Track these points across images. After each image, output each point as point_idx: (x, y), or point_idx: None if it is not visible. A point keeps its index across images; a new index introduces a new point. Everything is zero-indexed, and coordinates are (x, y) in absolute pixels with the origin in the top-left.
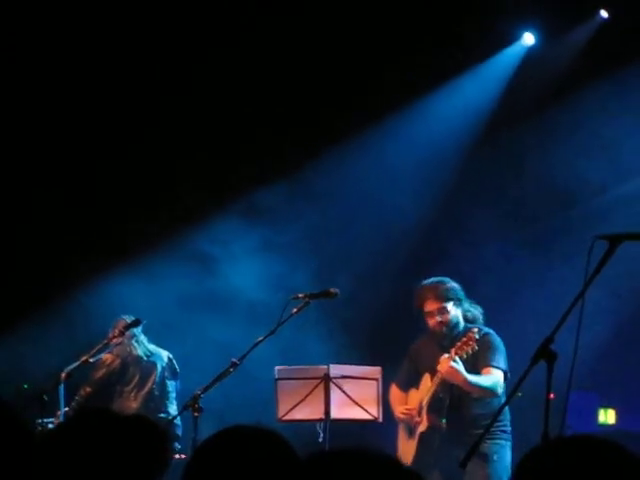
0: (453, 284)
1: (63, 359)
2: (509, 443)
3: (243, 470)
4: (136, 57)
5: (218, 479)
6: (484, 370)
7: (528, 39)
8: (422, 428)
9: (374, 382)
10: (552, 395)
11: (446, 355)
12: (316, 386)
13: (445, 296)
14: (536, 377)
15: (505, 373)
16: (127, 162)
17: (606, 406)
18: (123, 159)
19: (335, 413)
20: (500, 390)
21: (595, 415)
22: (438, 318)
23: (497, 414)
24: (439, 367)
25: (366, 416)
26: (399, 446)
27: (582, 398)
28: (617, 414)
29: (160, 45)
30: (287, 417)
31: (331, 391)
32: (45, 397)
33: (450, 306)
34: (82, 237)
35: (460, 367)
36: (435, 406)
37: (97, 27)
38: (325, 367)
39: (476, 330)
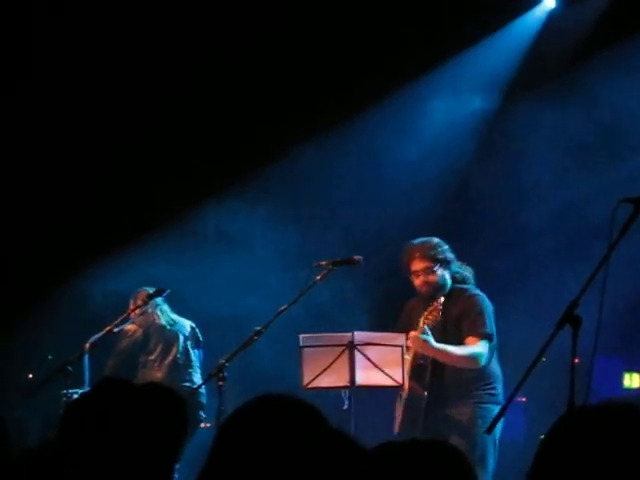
0: (442, 244)
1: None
2: (497, 407)
3: (275, 439)
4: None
5: (249, 448)
6: (468, 339)
7: (549, 3)
8: (405, 395)
9: (398, 348)
10: (577, 360)
11: (413, 332)
12: (341, 353)
13: (432, 256)
14: (561, 342)
15: (490, 336)
16: (125, 148)
17: (631, 370)
18: (121, 146)
19: (360, 380)
20: (483, 360)
21: (620, 379)
22: (423, 278)
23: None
24: (408, 342)
25: (391, 382)
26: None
27: (607, 362)
28: None
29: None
30: (312, 385)
31: (356, 358)
32: (69, 368)
33: (437, 267)
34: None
35: (429, 339)
36: (417, 373)
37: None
38: (349, 334)
39: (442, 299)
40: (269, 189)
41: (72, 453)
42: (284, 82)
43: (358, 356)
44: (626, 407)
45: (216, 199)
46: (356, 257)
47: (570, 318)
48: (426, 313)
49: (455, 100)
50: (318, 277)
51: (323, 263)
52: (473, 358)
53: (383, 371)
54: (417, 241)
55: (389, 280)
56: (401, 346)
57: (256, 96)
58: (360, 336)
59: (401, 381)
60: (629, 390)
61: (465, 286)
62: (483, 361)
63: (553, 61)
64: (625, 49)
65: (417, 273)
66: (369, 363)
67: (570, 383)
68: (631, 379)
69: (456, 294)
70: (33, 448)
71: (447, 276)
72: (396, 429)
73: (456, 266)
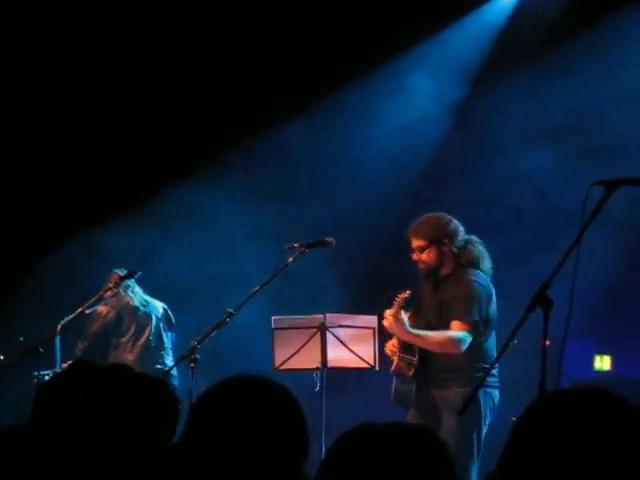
0: (447, 222)
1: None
2: (494, 390)
3: (247, 420)
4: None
5: (221, 429)
6: (452, 323)
7: None
8: (394, 367)
9: (370, 331)
10: (548, 342)
11: (389, 311)
12: (312, 335)
13: (430, 235)
14: (534, 324)
15: (476, 323)
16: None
17: (602, 352)
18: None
19: (332, 362)
20: (463, 346)
21: (591, 361)
22: (416, 256)
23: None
24: (384, 321)
25: (363, 365)
26: None
27: (578, 344)
28: (613, 360)
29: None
30: (284, 366)
31: (327, 340)
32: (41, 349)
33: (431, 247)
34: (74, 194)
35: (402, 323)
36: (405, 348)
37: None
38: (321, 316)
39: (408, 292)
40: (245, 166)
41: (44, 435)
42: (265, 60)
43: (330, 338)
44: (598, 391)
45: (193, 175)
46: (328, 239)
47: (541, 300)
48: (399, 297)
49: (428, 83)
50: (290, 259)
51: (295, 245)
52: (451, 343)
53: (354, 353)
54: (421, 218)
55: (367, 259)
56: (373, 328)
57: (237, 72)
58: (332, 318)
59: (372, 362)
60: (600, 372)
61: (468, 270)
62: (463, 347)
63: (525, 44)
64: (598, 33)
65: (413, 250)
66: (341, 345)
67: (541, 365)
68: (602, 361)
69: (455, 277)
70: (5, 429)
71: (446, 257)
72: (392, 396)
73: (460, 246)
